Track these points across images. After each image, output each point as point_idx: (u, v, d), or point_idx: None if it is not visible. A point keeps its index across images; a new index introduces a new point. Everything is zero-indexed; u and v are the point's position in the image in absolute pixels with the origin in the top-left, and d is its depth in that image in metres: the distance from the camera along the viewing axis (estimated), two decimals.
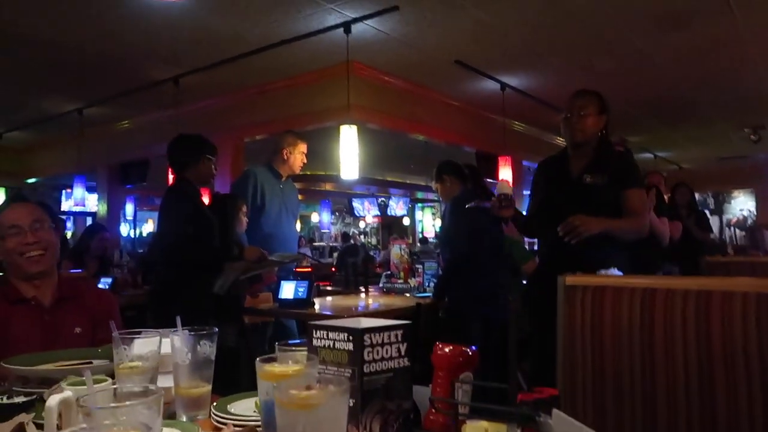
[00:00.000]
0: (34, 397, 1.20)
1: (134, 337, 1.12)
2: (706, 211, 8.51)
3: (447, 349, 0.88)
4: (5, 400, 1.19)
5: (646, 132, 8.28)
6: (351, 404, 0.83)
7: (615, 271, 1.83)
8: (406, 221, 16.05)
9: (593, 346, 1.24)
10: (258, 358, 0.86)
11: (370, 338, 0.86)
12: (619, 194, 2.31)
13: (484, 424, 0.80)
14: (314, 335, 0.91)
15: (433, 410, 0.85)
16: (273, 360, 0.89)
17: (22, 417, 1.02)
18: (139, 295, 4.21)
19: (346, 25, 4.18)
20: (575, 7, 3.98)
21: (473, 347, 0.91)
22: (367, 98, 5.15)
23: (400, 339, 0.89)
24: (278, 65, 4.98)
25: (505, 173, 5.93)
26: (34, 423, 1.00)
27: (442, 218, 3.69)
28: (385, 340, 0.87)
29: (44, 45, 4.56)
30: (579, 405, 1.23)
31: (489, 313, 3.20)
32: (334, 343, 0.88)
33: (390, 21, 4.18)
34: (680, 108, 6.88)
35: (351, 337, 0.85)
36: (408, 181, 12.28)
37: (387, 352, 0.88)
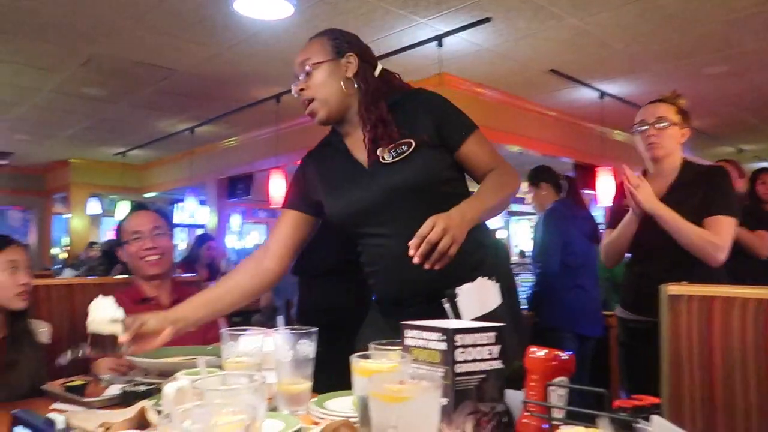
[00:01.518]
0: (154, 386, 1.31)
1: (240, 335, 1.21)
2: None
3: (541, 353, 0.87)
4: (130, 388, 1.31)
5: (762, 140, 7.64)
6: (444, 403, 0.85)
7: None
8: (501, 234, 15.74)
9: (701, 357, 1.17)
10: (353, 355, 0.90)
11: (462, 339, 0.87)
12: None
13: (579, 429, 0.79)
14: (407, 335, 0.93)
15: (527, 413, 0.85)
16: (367, 357, 0.92)
17: (144, 403, 1.12)
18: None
19: (439, 39, 4.22)
20: (676, 10, 3.78)
21: (569, 352, 0.89)
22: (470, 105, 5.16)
23: (492, 341, 0.90)
24: None
25: (606, 184, 5.68)
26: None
27: (535, 229, 3.56)
28: (477, 342, 0.88)
29: (161, 70, 4.97)
30: (686, 417, 1.16)
31: (583, 330, 3.08)
32: (427, 343, 0.90)
33: (482, 33, 4.18)
34: None
35: (443, 337, 0.87)
36: None
37: (479, 354, 0.88)
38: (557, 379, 0.85)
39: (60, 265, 8.00)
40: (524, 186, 3.47)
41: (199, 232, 7.51)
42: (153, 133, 7.34)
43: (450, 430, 0.85)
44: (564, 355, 0.87)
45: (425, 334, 0.91)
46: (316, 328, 1.19)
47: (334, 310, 2.86)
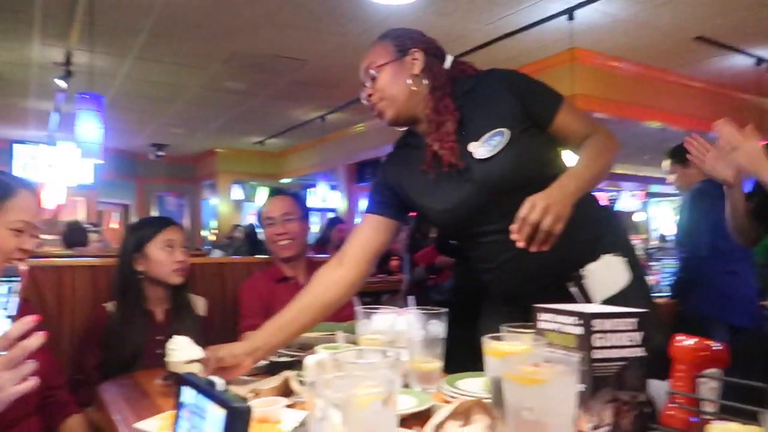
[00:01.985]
0: (295, 358, 1.41)
1: (374, 313, 1.26)
2: None
3: (690, 342, 0.81)
4: (275, 359, 1.42)
5: None
6: (581, 390, 0.82)
7: None
8: (639, 217, 14.72)
9: None
10: (485, 336, 0.90)
11: (601, 324, 0.83)
12: None
13: (733, 426, 0.73)
14: (540, 318, 0.91)
15: (673, 405, 0.80)
16: (499, 339, 0.92)
17: (287, 373, 1.21)
18: (373, 283, 4.58)
19: (570, 12, 4.02)
20: None
21: (720, 344, 0.82)
22: (592, 86, 4.88)
23: (634, 328, 0.85)
24: (500, 59, 4.99)
25: None
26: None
27: (680, 211, 3.27)
28: (617, 328, 0.84)
29: (294, 62, 5.24)
30: None
31: (735, 321, 2.80)
32: (561, 327, 0.87)
33: (617, 2, 3.91)
34: None
35: (580, 321, 0.84)
36: (641, 174, 11.30)
37: (619, 340, 0.84)
38: (708, 371, 0.79)
39: (209, 246, 8.77)
40: (666, 164, 3.20)
41: (331, 215, 7.85)
42: (288, 121, 7.76)
43: (587, 417, 0.82)
44: (716, 346, 0.81)
45: (560, 318, 0.88)
46: (446, 309, 1.21)
47: (465, 290, 2.89)
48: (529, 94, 1.34)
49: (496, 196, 1.29)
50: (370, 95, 1.41)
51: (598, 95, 4.98)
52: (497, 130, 1.28)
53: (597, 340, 0.84)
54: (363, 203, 11.29)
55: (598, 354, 0.83)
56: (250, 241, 6.89)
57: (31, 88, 6.22)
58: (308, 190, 10.11)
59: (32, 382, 0.84)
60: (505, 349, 0.86)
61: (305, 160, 9.50)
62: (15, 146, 8.60)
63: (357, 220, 8.79)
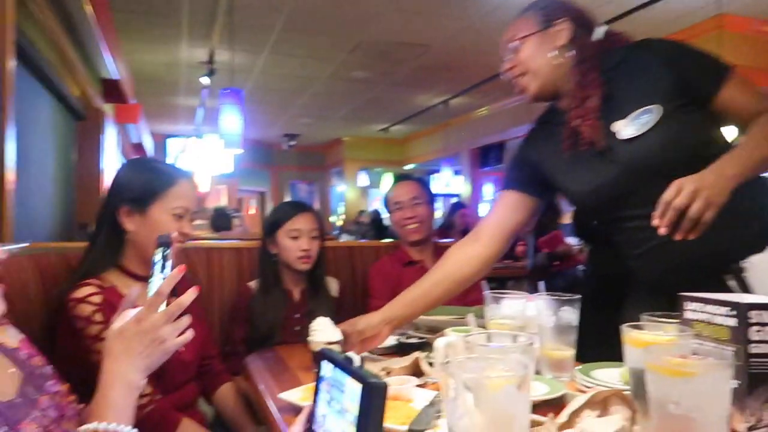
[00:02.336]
0: (424, 340, 1.44)
1: (503, 297, 1.25)
2: None
3: None
4: (404, 340, 1.45)
5: None
6: (735, 386, 0.76)
7: None
8: None
9: None
10: (624, 325, 0.86)
11: (759, 316, 0.76)
12: None
13: None
14: (687, 307, 0.85)
15: None
16: (640, 328, 0.87)
17: (417, 354, 1.24)
18: (499, 269, 4.52)
19: None
20: None
21: None
22: (745, 56, 4.39)
23: None
24: (640, 31, 4.64)
25: None
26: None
27: None
28: None
29: (417, 48, 5.26)
30: None
31: None
32: (712, 317, 0.81)
33: None
34: None
35: (733, 312, 0.77)
36: None
37: None
38: None
39: (338, 231, 9.14)
40: None
41: (454, 200, 7.84)
42: (411, 108, 7.83)
43: (742, 416, 0.76)
44: None
45: (709, 308, 0.82)
46: (579, 296, 1.16)
47: (603, 277, 2.76)
48: (688, 65, 1.22)
49: (641, 179, 1.19)
50: (511, 68, 1.35)
51: (752, 65, 4.47)
52: (647, 107, 1.18)
53: (755, 333, 0.77)
54: (487, 188, 11.17)
55: (755, 348, 0.77)
56: (376, 226, 7.08)
57: (180, 86, 6.84)
58: (432, 175, 10.16)
59: (190, 334, 0.92)
60: (648, 339, 0.81)
61: (429, 145, 9.55)
62: (168, 140, 9.52)
63: (481, 205, 8.69)
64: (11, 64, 2.10)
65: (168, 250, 0.97)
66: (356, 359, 0.98)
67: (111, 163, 5.22)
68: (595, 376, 1.09)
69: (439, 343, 1.11)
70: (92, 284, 1.28)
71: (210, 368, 1.57)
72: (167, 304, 0.90)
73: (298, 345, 1.52)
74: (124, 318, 0.89)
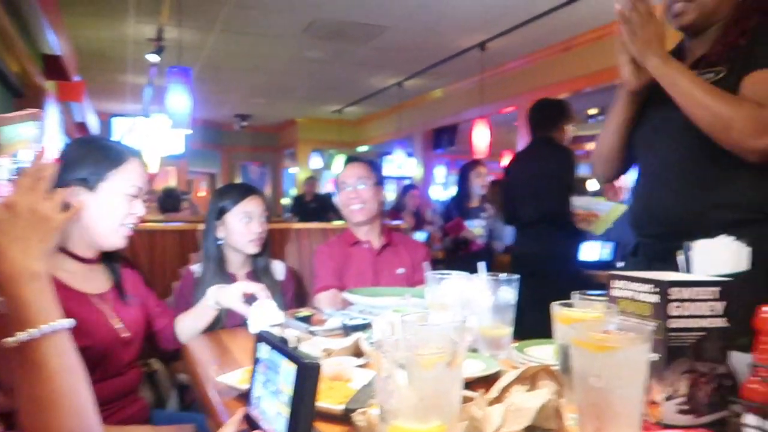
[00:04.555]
0: (367, 321, 1.45)
1: (443, 278, 1.26)
2: None
3: None
4: (347, 322, 1.46)
5: None
6: (655, 359, 0.80)
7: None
8: None
9: None
10: (555, 303, 0.88)
11: (679, 292, 0.80)
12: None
13: None
14: (614, 285, 0.89)
15: (756, 379, 0.75)
16: (570, 306, 0.90)
17: (359, 335, 1.25)
18: (441, 250, 4.60)
19: None
20: None
21: None
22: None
23: (715, 297, 0.81)
24: (585, 17, 4.74)
25: None
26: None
27: None
28: (697, 296, 0.80)
29: (372, 28, 5.21)
30: None
31: None
32: (636, 295, 0.85)
33: None
34: None
35: (656, 289, 0.81)
36: None
37: (698, 310, 0.81)
38: None
39: (290, 213, 9.06)
40: None
41: (406, 182, 7.88)
42: (365, 89, 7.79)
43: (661, 387, 0.80)
44: None
45: (634, 285, 0.85)
46: (517, 276, 1.19)
47: (547, 257, 2.86)
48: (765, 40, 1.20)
49: (670, 126, 1.31)
50: None
51: None
52: (716, 68, 1.24)
53: (674, 309, 0.80)
54: (439, 170, 11.25)
55: (674, 323, 0.80)
56: (323, 208, 7.10)
57: (127, 63, 6.59)
58: (384, 157, 10.16)
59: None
60: (575, 316, 0.84)
61: (382, 127, 9.53)
62: (114, 120, 9.17)
63: (432, 187, 8.76)
64: None
65: None
66: (292, 339, 0.98)
67: (53, 142, 4.99)
68: (530, 352, 1.12)
69: (378, 323, 1.12)
70: None
71: (167, 335, 1.55)
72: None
73: (241, 329, 1.51)
74: None
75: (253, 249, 1.84)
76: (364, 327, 1.42)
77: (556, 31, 5.12)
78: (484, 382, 0.97)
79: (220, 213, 1.85)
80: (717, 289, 0.81)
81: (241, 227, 1.83)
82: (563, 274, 2.79)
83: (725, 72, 1.23)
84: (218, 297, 1.50)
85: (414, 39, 5.51)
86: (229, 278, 1.84)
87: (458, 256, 4.15)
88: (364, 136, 10.30)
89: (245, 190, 1.91)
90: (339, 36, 5.47)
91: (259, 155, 11.62)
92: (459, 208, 4.33)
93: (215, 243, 1.85)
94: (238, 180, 11.03)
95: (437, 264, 4.55)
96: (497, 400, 0.81)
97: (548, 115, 3.05)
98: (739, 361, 0.80)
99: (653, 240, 1.36)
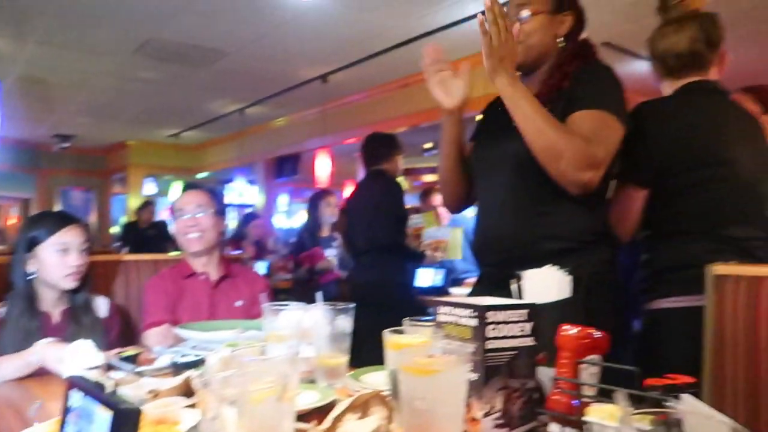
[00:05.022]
0: (200, 357, 1.37)
1: (281, 309, 1.25)
2: None
3: (573, 331, 0.87)
4: (178, 359, 1.38)
5: None
6: (474, 379, 0.86)
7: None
8: None
9: (747, 343, 1.13)
10: (386, 330, 0.92)
11: (494, 315, 0.87)
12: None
13: (608, 407, 0.78)
14: (440, 311, 0.94)
15: (557, 391, 0.85)
16: (401, 333, 0.94)
17: (190, 373, 1.18)
18: (290, 280, 4.56)
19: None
20: None
21: (602, 332, 0.88)
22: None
23: (524, 319, 0.90)
24: (420, 57, 5.06)
25: None
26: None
27: None
28: (509, 319, 0.89)
29: (212, 52, 5.08)
30: (727, 404, 1.14)
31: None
32: (459, 319, 0.91)
33: None
34: None
35: (475, 313, 0.87)
36: None
37: (510, 331, 0.89)
38: (589, 357, 0.85)
39: (119, 243, 8.36)
40: None
41: (248, 211, 7.71)
42: (206, 114, 7.52)
43: (480, 404, 0.86)
44: (597, 334, 0.87)
45: (457, 311, 0.91)
46: (353, 304, 1.22)
47: (381, 285, 2.97)
48: (584, 84, 1.35)
49: (498, 168, 1.44)
50: None
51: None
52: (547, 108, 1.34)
53: (491, 331, 0.87)
54: (282, 199, 11.18)
55: (491, 344, 0.87)
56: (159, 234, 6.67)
57: None
58: (226, 185, 9.86)
59: None
60: (404, 342, 0.88)
61: (223, 154, 9.25)
62: None
63: (275, 216, 8.67)
64: None
65: None
66: (108, 384, 0.90)
67: None
68: (365, 380, 1.14)
69: (211, 359, 1.07)
70: None
71: None
72: None
73: (54, 375, 1.35)
74: None
75: (70, 284, 1.67)
76: (197, 364, 1.34)
77: (394, 68, 5.41)
78: (319, 412, 0.97)
79: (31, 244, 1.66)
80: (525, 311, 0.90)
81: (56, 260, 1.65)
82: (399, 301, 2.91)
83: (550, 110, 1.34)
84: (45, 357, 1.34)
85: (256, 66, 5.47)
86: (42, 317, 1.65)
87: (311, 285, 4.14)
88: (203, 162, 9.90)
89: (61, 219, 1.73)
90: (176, 58, 5.24)
91: (84, 180, 10.59)
92: (312, 237, 4.34)
93: (25, 278, 1.65)
94: (57, 206, 9.94)
95: (282, 294, 4.50)
96: (330, 430, 0.81)
97: (379, 148, 3.25)
98: (544, 375, 0.89)
99: (492, 268, 1.47)
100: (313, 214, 4.44)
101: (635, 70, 5.40)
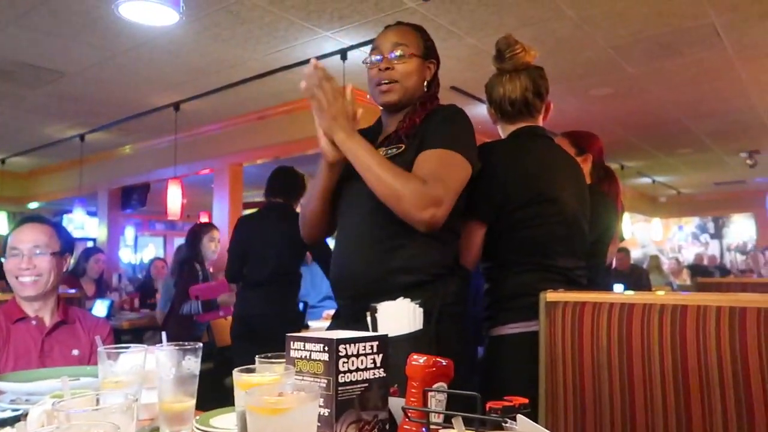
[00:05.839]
0: (21, 411, 1.21)
1: (120, 353, 1.15)
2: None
3: (421, 360, 0.90)
4: None
5: (644, 157, 8.35)
6: (326, 414, 0.85)
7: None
8: None
9: (573, 361, 1.26)
10: (236, 369, 0.88)
11: (345, 349, 0.88)
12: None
13: None
14: (292, 347, 0.93)
15: (407, 420, 0.87)
16: (252, 371, 0.91)
17: (9, 430, 1.03)
18: (138, 319, 4.23)
19: (343, 52, 4.26)
20: (566, 35, 4.07)
21: (447, 359, 0.92)
22: (366, 122, 5.22)
23: (375, 350, 0.91)
24: (277, 91, 5.06)
25: None
26: None
27: None
28: (361, 351, 0.89)
29: (47, 72, 4.65)
30: (560, 417, 1.24)
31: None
32: (310, 354, 0.90)
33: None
34: (675, 134, 6.95)
35: (326, 348, 0.87)
36: None
37: (362, 363, 0.90)
38: (436, 385, 0.88)
39: None
40: None
41: (90, 245, 7.06)
42: (38, 139, 6.83)
43: None
44: (442, 362, 0.90)
45: (309, 345, 0.91)
46: (200, 344, 1.16)
47: (270, 316, 3.03)
48: (433, 126, 1.44)
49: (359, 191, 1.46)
50: (388, 68, 1.48)
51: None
52: (400, 144, 1.46)
53: (342, 365, 0.88)
54: (128, 231, 10.41)
55: (342, 378, 0.87)
56: None
57: None
58: (64, 215, 8.96)
59: None
60: (253, 381, 0.85)
61: (60, 183, 8.41)
62: None
63: (121, 250, 8.03)
64: None
65: None
66: None
67: None
68: (214, 423, 1.09)
69: (33, 413, 0.96)
70: None
71: None
72: None
73: None
74: None
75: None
76: (16, 420, 1.18)
77: (251, 100, 5.35)
78: None
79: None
80: (376, 343, 0.92)
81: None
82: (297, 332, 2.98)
83: (405, 147, 1.44)
84: None
85: (100, 90, 5.10)
86: None
87: (192, 322, 3.92)
88: (34, 192, 8.93)
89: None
90: (5, 77, 4.73)
91: None
92: (193, 270, 4.13)
93: None
94: None
95: (126, 335, 4.13)
96: None
97: (288, 183, 3.43)
98: (396, 405, 0.91)
99: (348, 302, 1.49)
100: (195, 246, 4.25)
101: (479, 113, 5.89)
